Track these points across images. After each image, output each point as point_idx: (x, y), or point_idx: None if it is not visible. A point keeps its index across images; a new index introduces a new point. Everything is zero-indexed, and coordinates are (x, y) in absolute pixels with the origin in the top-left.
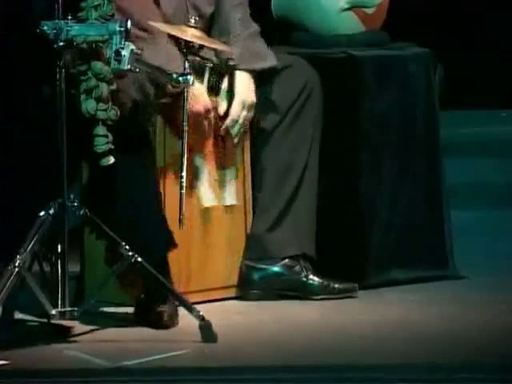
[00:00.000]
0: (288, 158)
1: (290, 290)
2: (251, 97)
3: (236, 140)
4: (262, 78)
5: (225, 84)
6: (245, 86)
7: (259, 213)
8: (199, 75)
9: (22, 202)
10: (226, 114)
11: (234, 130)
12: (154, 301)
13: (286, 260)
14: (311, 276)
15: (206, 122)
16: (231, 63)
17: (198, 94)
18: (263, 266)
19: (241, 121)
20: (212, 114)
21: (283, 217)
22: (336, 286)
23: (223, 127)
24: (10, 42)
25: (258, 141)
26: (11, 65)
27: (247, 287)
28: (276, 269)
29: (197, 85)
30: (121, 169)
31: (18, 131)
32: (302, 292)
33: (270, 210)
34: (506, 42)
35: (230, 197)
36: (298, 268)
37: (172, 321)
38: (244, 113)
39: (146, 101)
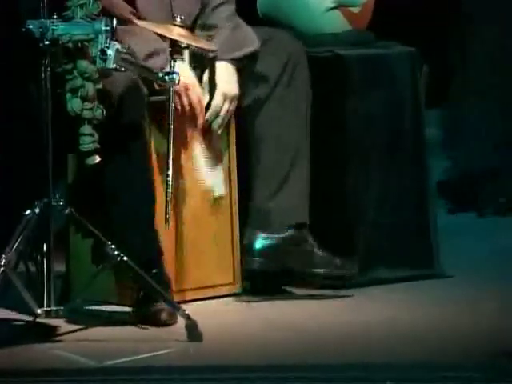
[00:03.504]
0: (284, 128)
1: (292, 261)
2: (234, 89)
3: (219, 132)
4: (247, 64)
5: (206, 76)
6: (227, 78)
7: (260, 183)
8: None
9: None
10: (208, 106)
11: (217, 122)
12: (152, 299)
13: (291, 230)
14: (315, 249)
15: (198, 112)
16: (211, 55)
17: (191, 84)
18: (267, 235)
19: (222, 113)
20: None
21: (283, 186)
22: (338, 261)
23: (205, 119)
24: (9, 41)
25: (251, 114)
26: (11, 64)
27: (250, 256)
28: (280, 238)
29: (189, 74)
30: (113, 166)
31: (18, 131)
32: (304, 264)
33: (270, 179)
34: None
35: (219, 188)
36: (302, 239)
37: (171, 318)
38: (226, 105)
39: (137, 93)
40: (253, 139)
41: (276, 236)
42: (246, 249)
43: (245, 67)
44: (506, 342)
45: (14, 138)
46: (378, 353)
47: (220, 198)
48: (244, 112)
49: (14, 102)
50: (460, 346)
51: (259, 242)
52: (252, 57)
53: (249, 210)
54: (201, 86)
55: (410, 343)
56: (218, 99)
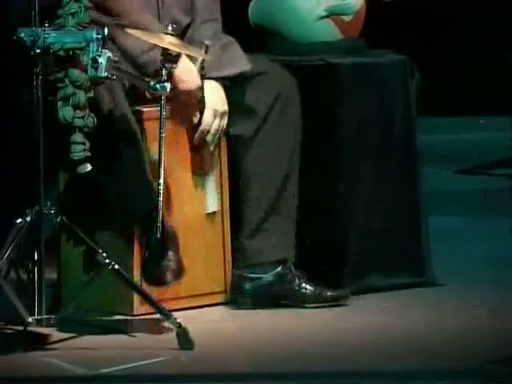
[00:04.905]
0: (269, 167)
1: (282, 298)
2: (222, 105)
3: (212, 148)
4: (236, 84)
5: None
6: (214, 95)
7: (241, 221)
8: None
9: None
10: (199, 123)
11: (208, 139)
12: (156, 257)
13: (279, 268)
14: (304, 284)
15: (195, 101)
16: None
17: (189, 70)
18: (255, 275)
19: (213, 130)
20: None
21: (264, 223)
22: (329, 293)
23: (196, 136)
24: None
25: (238, 148)
26: (11, 65)
27: (239, 296)
28: (268, 277)
29: (187, 62)
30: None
31: (18, 131)
32: (294, 300)
33: (250, 217)
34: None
35: (212, 204)
36: (290, 276)
37: (176, 274)
38: (216, 121)
39: (119, 109)
40: (240, 172)
41: (263, 275)
42: (234, 288)
43: (235, 86)
44: (499, 348)
45: (14, 138)
46: (370, 360)
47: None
48: (232, 142)
49: (14, 103)
50: (453, 353)
51: (247, 284)
52: (242, 77)
53: (233, 247)
54: None
55: (402, 350)
56: (208, 116)
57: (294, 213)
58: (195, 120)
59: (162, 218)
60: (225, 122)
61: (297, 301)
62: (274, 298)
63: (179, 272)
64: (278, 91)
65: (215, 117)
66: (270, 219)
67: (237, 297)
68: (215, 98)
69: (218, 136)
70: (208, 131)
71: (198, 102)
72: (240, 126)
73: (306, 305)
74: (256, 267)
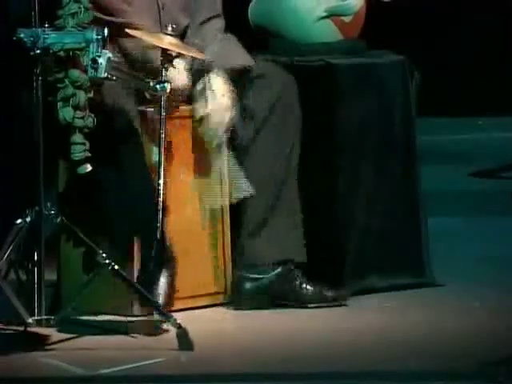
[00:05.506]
0: (267, 168)
1: (282, 298)
2: (227, 98)
3: (215, 144)
4: (242, 77)
5: (200, 86)
6: (220, 88)
7: (241, 222)
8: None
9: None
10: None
11: (212, 133)
12: (150, 280)
13: (279, 269)
14: (304, 284)
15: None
16: (207, 61)
17: (180, 69)
18: (255, 276)
19: (217, 123)
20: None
21: (263, 225)
22: (329, 293)
23: (201, 128)
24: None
25: (237, 151)
26: (11, 65)
27: (239, 297)
28: (268, 278)
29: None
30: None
31: (18, 131)
32: (294, 301)
33: (250, 218)
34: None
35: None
36: (290, 276)
37: (167, 301)
38: (221, 115)
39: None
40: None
41: (263, 276)
42: (234, 289)
43: (240, 81)
44: (499, 348)
45: (14, 138)
46: (370, 361)
47: (214, 209)
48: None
49: (14, 103)
50: (453, 353)
51: (246, 285)
52: (247, 72)
53: (234, 248)
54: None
55: (402, 351)
56: (212, 108)
57: (296, 213)
58: (201, 112)
59: (163, 235)
60: (228, 115)
61: (297, 301)
62: (274, 298)
63: (170, 298)
64: (278, 95)
65: (220, 110)
66: (269, 220)
67: (237, 297)
68: (220, 91)
69: (221, 131)
70: (213, 125)
71: (182, 98)
72: (239, 128)
73: (306, 305)
74: (256, 268)
